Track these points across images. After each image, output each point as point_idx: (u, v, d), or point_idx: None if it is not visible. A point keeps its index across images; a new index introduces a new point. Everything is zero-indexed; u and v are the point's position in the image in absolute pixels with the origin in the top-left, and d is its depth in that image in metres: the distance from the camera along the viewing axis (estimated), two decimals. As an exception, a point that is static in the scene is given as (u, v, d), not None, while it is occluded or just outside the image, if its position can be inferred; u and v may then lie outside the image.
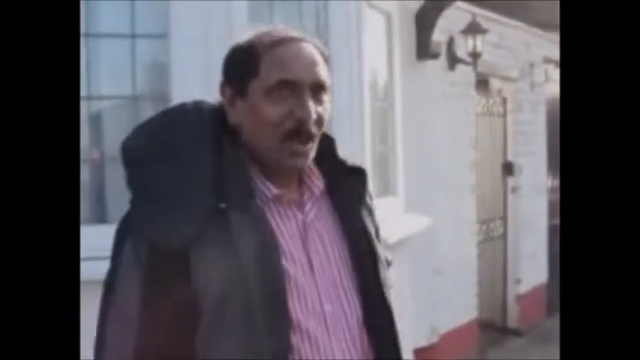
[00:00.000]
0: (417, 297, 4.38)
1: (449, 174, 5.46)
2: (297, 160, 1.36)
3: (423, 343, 4.90)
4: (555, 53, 7.67)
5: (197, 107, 1.37)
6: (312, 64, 1.35)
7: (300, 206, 1.39)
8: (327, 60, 1.39)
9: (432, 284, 5.13)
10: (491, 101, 6.62)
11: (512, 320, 6.82)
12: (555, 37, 7.73)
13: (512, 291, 6.86)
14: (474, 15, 5.60)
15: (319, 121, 1.35)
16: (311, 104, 1.33)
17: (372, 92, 3.70)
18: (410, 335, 3.81)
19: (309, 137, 1.34)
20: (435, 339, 5.18)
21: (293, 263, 1.34)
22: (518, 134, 6.90)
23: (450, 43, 5.56)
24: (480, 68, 5.88)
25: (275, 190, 1.36)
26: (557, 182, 7.76)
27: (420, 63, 5.10)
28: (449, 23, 5.45)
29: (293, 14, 3.27)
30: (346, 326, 1.36)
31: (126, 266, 1.32)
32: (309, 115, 1.32)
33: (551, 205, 7.61)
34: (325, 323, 1.33)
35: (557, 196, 7.73)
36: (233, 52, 1.38)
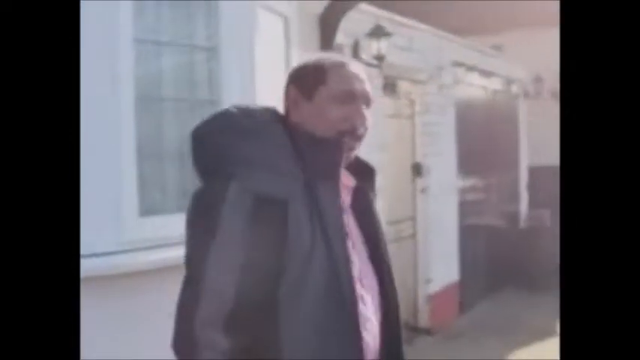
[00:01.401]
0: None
1: (356, 176, 5.47)
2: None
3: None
4: (465, 57, 7.83)
5: (255, 105, 1.69)
6: (365, 82, 1.70)
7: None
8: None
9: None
10: (399, 103, 6.70)
11: (423, 320, 6.92)
12: (465, 41, 7.92)
13: (423, 291, 6.94)
14: (377, 19, 5.65)
15: (365, 127, 1.67)
16: (364, 112, 1.66)
17: (269, 97, 3.66)
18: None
19: (358, 138, 1.68)
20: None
21: None
22: (426, 135, 6.98)
23: (355, 46, 5.61)
24: (388, 71, 5.93)
25: None
26: (468, 183, 7.92)
27: (323, 66, 5.10)
28: (355, 26, 5.49)
29: (181, 15, 3.16)
30: (373, 285, 1.71)
31: (229, 216, 1.52)
32: (362, 120, 1.66)
33: (461, 205, 7.75)
34: (361, 279, 1.67)
35: (467, 197, 7.90)
36: (303, 66, 1.72)
